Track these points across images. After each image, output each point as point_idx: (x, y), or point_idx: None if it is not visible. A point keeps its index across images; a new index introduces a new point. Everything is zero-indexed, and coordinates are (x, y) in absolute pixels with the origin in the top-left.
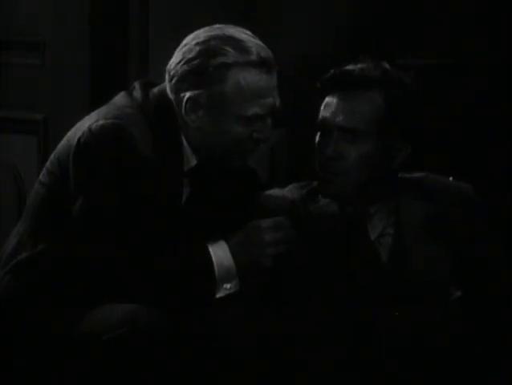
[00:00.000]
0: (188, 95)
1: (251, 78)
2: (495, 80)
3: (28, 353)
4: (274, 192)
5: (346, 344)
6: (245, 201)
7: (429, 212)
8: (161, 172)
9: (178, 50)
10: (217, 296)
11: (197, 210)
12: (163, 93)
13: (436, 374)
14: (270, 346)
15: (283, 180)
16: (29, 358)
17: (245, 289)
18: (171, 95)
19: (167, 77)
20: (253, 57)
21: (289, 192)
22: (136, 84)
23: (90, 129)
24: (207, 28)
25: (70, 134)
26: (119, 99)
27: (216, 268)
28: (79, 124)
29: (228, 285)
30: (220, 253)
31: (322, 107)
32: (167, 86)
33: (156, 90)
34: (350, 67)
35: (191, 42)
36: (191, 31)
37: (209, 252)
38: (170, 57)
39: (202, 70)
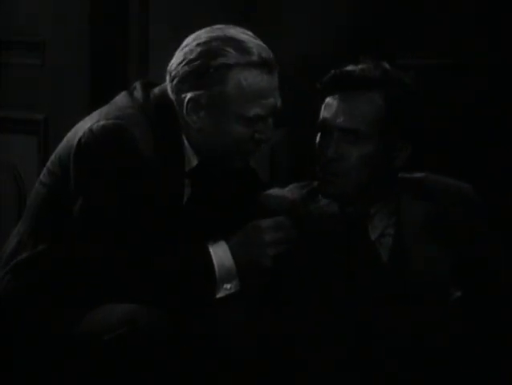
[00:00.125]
0: (189, 95)
1: (252, 78)
2: (495, 80)
3: (28, 353)
4: (275, 191)
5: (346, 344)
6: (246, 202)
7: (429, 212)
8: (162, 172)
9: (179, 50)
10: (217, 296)
11: (198, 210)
12: (164, 93)
13: (436, 374)
14: (270, 346)
15: (283, 180)
16: (29, 358)
17: (245, 290)
18: (172, 96)
19: (168, 78)
20: (255, 58)
21: (289, 192)
22: (137, 84)
23: (91, 129)
24: (208, 29)
25: (70, 134)
26: (120, 99)
27: (216, 268)
28: (79, 124)
29: (228, 286)
30: (220, 254)
31: (322, 108)
32: (168, 86)
33: (156, 90)
34: (350, 68)
35: (192, 42)
36: (191, 31)
37: (209, 252)
38: (170, 57)
39: (203, 71)
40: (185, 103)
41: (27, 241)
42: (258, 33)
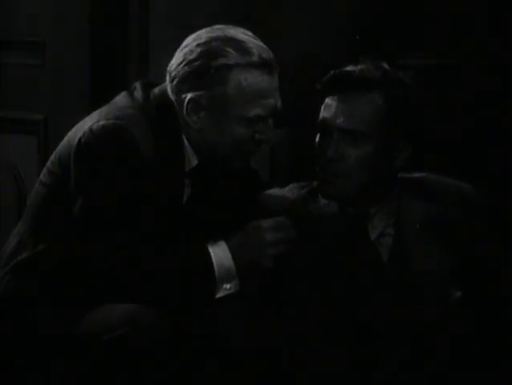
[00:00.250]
0: (189, 96)
1: (252, 79)
2: (495, 80)
3: (28, 353)
4: (275, 191)
5: (346, 344)
6: (247, 202)
7: (429, 212)
8: (162, 172)
9: (179, 51)
10: (217, 296)
11: (197, 210)
12: (164, 93)
13: (436, 374)
14: (270, 346)
15: (283, 180)
16: (29, 358)
17: (245, 290)
18: (172, 96)
19: (168, 78)
20: (255, 58)
21: (289, 192)
22: (137, 84)
23: (91, 129)
24: (208, 29)
25: (71, 134)
26: (121, 99)
27: (216, 268)
28: (80, 124)
29: (228, 286)
30: (220, 254)
31: (322, 109)
32: (168, 87)
33: (157, 90)
34: (350, 68)
35: (192, 43)
36: (191, 31)
37: (209, 252)
38: (170, 57)
39: (203, 71)
40: (185, 104)
41: (27, 241)
42: (258, 33)
